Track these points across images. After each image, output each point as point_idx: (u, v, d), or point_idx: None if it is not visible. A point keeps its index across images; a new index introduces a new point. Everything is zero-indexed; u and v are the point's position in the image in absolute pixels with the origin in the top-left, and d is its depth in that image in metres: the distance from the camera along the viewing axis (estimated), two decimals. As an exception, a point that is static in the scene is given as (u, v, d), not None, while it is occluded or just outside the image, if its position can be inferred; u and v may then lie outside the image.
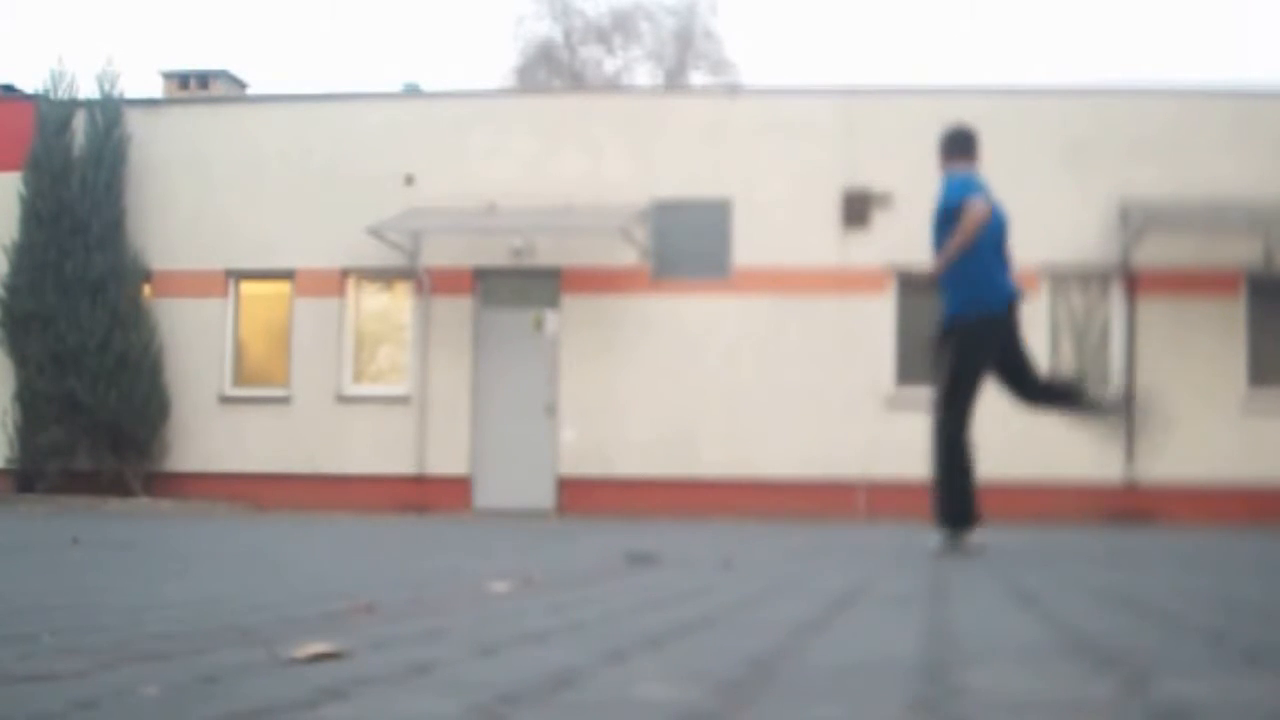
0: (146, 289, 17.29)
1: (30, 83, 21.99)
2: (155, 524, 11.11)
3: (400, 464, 16.64)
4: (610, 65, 35.30)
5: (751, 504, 15.46)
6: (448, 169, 16.80)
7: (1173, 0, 53.24)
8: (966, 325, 6.75)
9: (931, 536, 6.69)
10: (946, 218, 6.78)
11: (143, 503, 16.19)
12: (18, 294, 16.93)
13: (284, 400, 17.05)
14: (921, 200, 15.75)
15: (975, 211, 6.54)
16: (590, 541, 8.08)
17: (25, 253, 16.95)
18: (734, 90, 20.77)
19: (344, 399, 16.96)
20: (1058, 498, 15.20)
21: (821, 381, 15.97)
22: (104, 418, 16.51)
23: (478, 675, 1.97)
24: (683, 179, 16.55)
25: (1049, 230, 14.86)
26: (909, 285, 16.01)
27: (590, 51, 35.45)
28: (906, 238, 16.07)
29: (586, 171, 16.53)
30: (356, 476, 16.65)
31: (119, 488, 16.63)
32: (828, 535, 9.73)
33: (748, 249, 16.29)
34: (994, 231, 6.78)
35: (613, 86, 31.74)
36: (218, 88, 20.04)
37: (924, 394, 16.73)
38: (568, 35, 35.36)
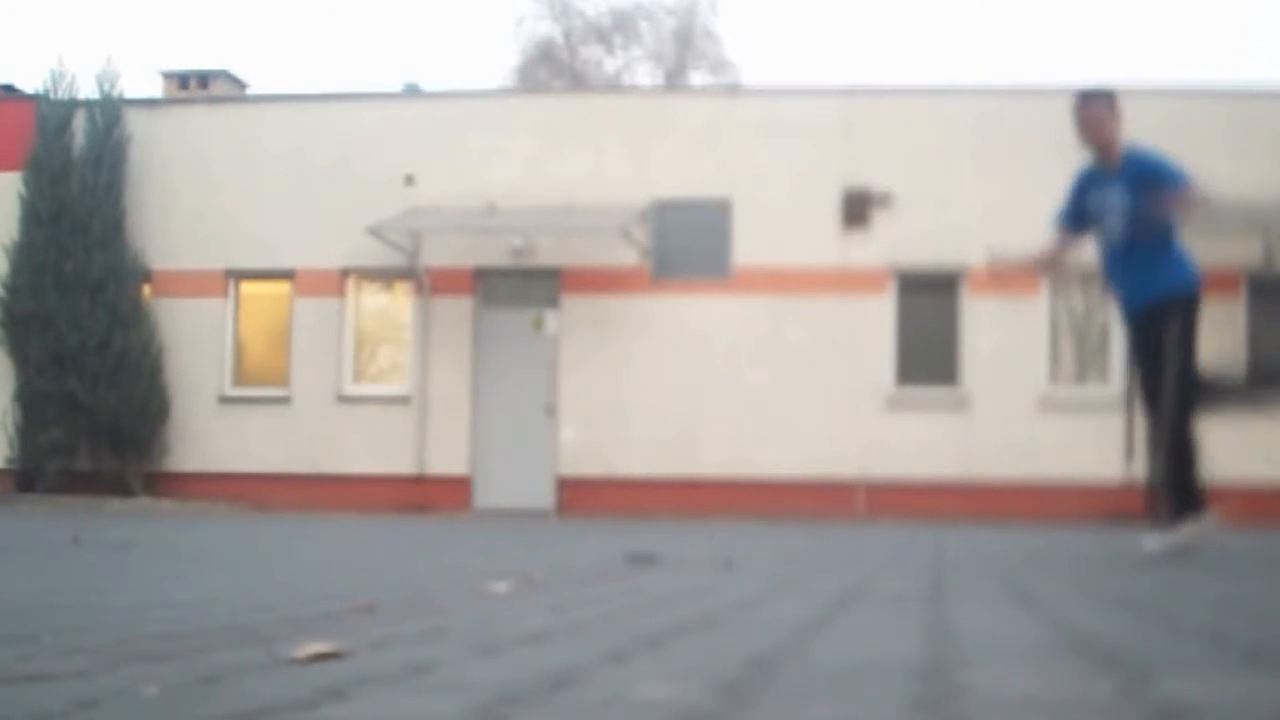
0: (146, 289, 17.29)
1: (30, 83, 22.01)
2: (155, 524, 11.11)
3: (400, 464, 16.64)
4: (610, 65, 35.30)
5: (751, 504, 15.46)
6: (448, 169, 16.80)
7: (1173, 0, 53.24)
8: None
9: (1151, 537, 6.05)
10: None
11: (143, 503, 16.18)
12: (18, 294, 16.94)
13: (284, 400, 17.05)
14: (921, 200, 15.85)
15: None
16: (590, 541, 8.08)
17: (25, 253, 16.96)
18: (734, 90, 20.77)
19: (344, 399, 16.96)
20: (1058, 498, 15.19)
21: (821, 381, 15.97)
22: (104, 418, 16.51)
23: (478, 675, 1.97)
24: (683, 179, 16.55)
25: (1049, 230, 14.85)
26: (909, 285, 16.02)
27: (590, 51, 35.46)
28: (906, 238, 16.10)
29: (586, 171, 16.53)
30: (356, 476, 16.65)
31: (119, 488, 16.63)
32: (828, 535, 9.73)
33: (748, 249, 16.29)
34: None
35: (613, 86, 31.73)
36: (218, 88, 20.04)
37: (924, 394, 16.74)
38: (568, 35, 35.36)
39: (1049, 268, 6.81)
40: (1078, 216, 6.49)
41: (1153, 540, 6.02)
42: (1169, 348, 6.09)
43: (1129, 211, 6.25)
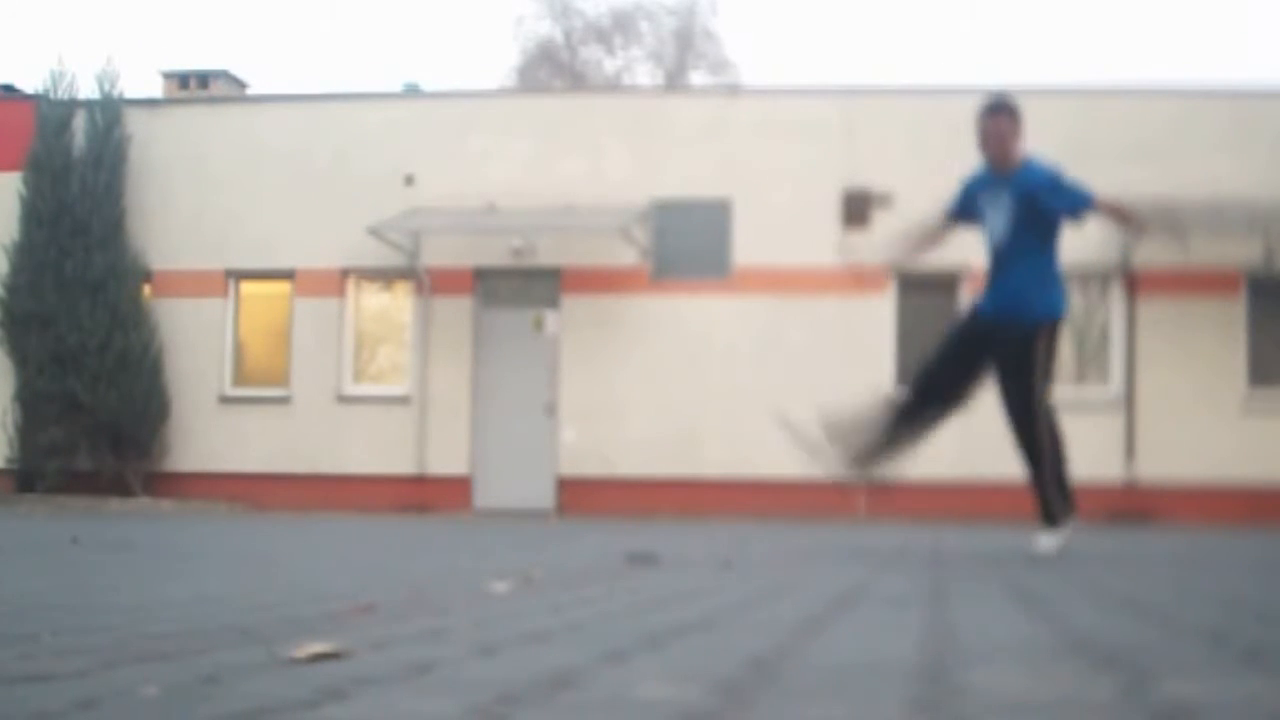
0: (146, 289, 17.29)
1: (30, 83, 22.00)
2: (155, 524, 11.11)
3: (400, 464, 16.64)
4: (610, 65, 35.32)
5: (751, 504, 15.46)
6: (448, 169, 16.80)
7: (1173, 0, 53.25)
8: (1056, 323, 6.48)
9: (1046, 539, 6.32)
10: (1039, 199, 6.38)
11: (143, 503, 16.19)
12: (18, 294, 16.94)
13: (284, 400, 17.06)
14: (921, 200, 15.81)
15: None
16: (590, 541, 8.08)
17: (25, 253, 16.96)
18: (734, 90, 20.77)
19: (344, 399, 16.96)
20: (1058, 498, 15.18)
21: (821, 381, 15.95)
22: (104, 418, 16.51)
23: (478, 675, 1.97)
24: (683, 179, 16.55)
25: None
26: (909, 285, 16.02)
27: (590, 51, 35.47)
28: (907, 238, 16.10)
29: (586, 171, 16.53)
30: (356, 476, 16.65)
31: (119, 488, 16.64)
32: (828, 535, 9.73)
33: (748, 249, 16.29)
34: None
35: (613, 86, 31.75)
36: (218, 88, 20.05)
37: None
38: (568, 35, 35.38)
39: (918, 249, 7.08)
40: (963, 213, 6.72)
41: (1046, 540, 6.35)
42: (1037, 364, 6.40)
43: (1016, 216, 6.40)
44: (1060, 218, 6.41)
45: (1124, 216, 6.66)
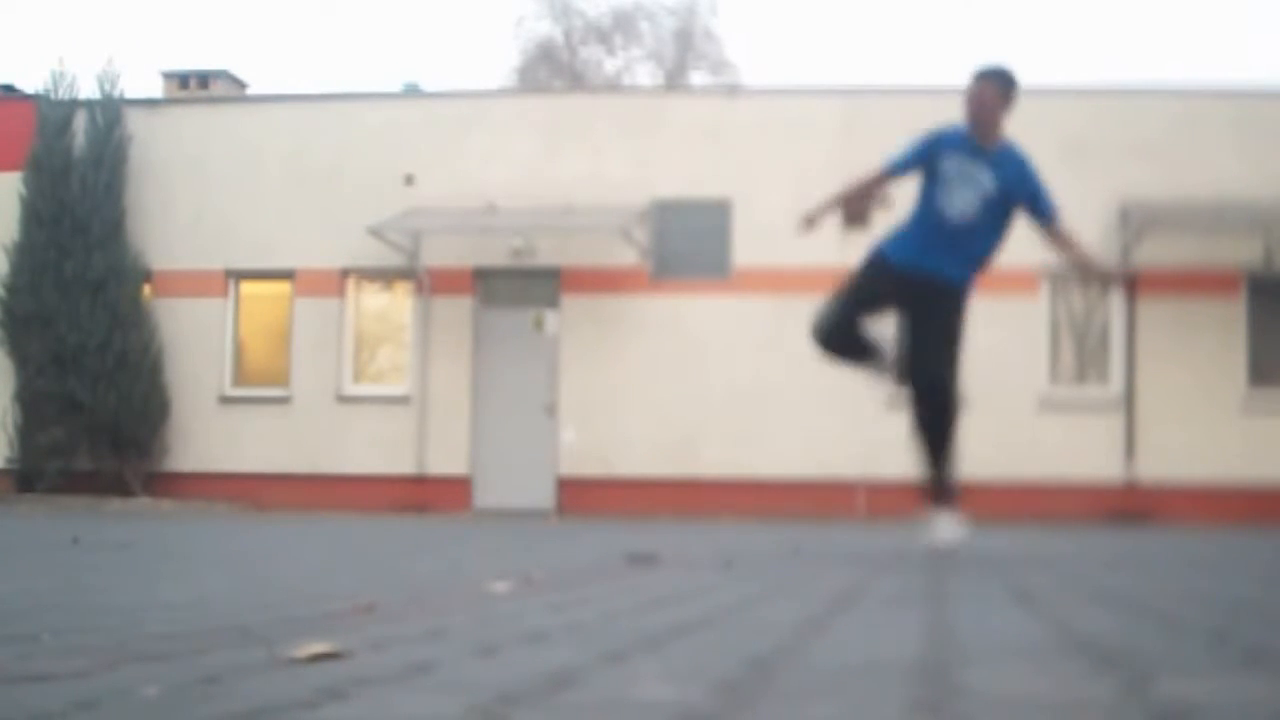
0: (146, 289, 17.30)
1: (30, 83, 22.00)
2: (155, 524, 11.11)
3: (400, 464, 16.64)
4: (610, 65, 35.31)
5: (751, 504, 15.46)
6: (448, 169, 16.80)
7: (1173, 0, 53.24)
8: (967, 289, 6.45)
9: (945, 527, 6.17)
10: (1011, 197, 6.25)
11: (143, 503, 16.19)
12: (18, 294, 16.95)
13: (284, 400, 17.06)
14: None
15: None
16: (590, 541, 8.08)
17: (25, 253, 16.96)
18: (734, 90, 20.76)
19: (344, 399, 16.96)
20: (1058, 498, 15.19)
21: (821, 381, 15.94)
22: (104, 418, 16.52)
23: (478, 675, 1.97)
24: (683, 179, 16.55)
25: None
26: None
27: (590, 51, 35.46)
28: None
29: (586, 171, 16.53)
30: (356, 476, 16.65)
31: (119, 488, 16.64)
32: (828, 535, 9.73)
33: (748, 249, 16.29)
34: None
35: (613, 86, 31.73)
36: (218, 88, 20.04)
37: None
38: (568, 35, 35.37)
39: (861, 203, 7.01)
40: (917, 168, 6.57)
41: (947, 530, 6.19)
42: (952, 331, 6.37)
43: (989, 197, 6.29)
44: (1020, 211, 6.37)
45: (1079, 255, 6.53)
